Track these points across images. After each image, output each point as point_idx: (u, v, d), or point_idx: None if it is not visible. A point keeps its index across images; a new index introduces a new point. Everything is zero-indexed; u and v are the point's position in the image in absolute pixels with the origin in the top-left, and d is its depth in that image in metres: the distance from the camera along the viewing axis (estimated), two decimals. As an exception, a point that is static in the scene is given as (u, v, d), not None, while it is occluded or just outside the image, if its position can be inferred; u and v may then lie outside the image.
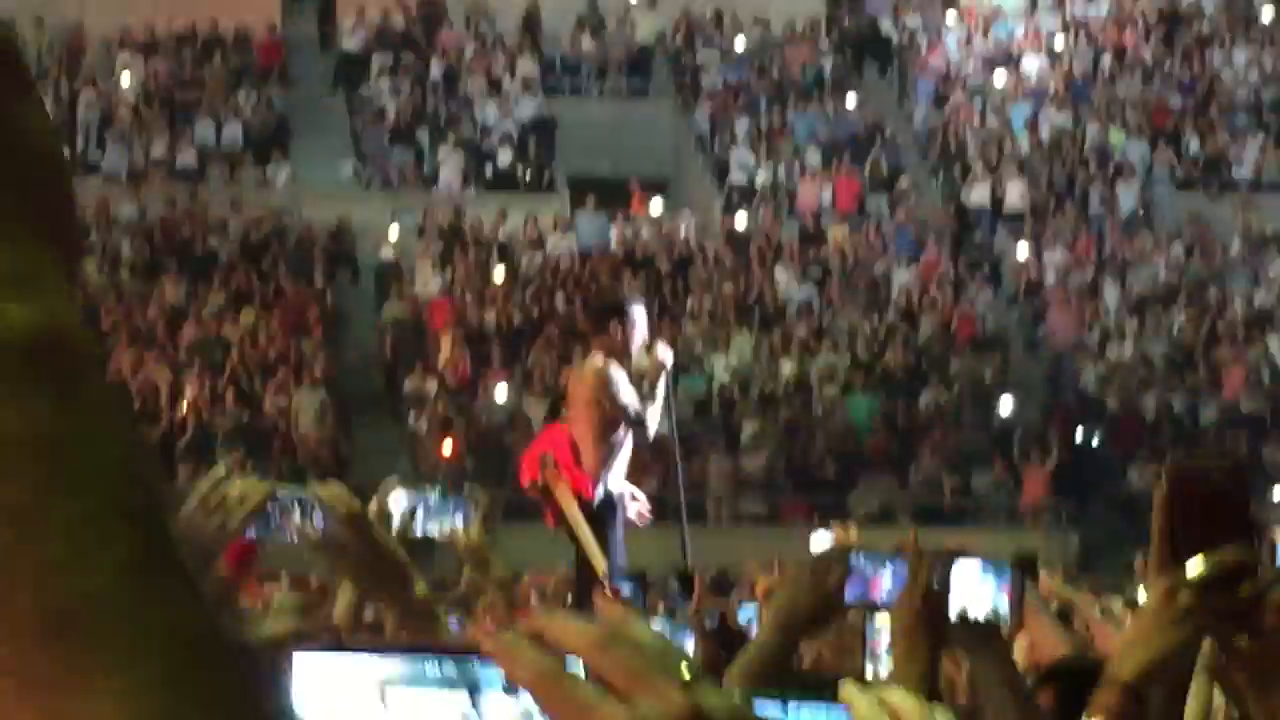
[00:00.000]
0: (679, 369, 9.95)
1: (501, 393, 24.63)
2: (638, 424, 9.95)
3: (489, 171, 30.15)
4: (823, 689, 2.09)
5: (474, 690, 1.34)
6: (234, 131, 29.88)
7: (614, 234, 28.91)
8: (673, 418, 10.24)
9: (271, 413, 24.51)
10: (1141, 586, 7.66)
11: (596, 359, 10.08)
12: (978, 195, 30.45)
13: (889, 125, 31.70)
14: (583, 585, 9.31)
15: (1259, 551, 2.60)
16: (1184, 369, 27.17)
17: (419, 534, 4.49)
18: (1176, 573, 2.58)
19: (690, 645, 4.07)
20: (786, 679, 3.92)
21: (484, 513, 4.69)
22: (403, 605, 3.51)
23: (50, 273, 0.94)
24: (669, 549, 11.51)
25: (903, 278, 28.45)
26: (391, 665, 1.36)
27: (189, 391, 24.24)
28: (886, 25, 33.56)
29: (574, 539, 9.29)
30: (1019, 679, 3.91)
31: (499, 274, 27.46)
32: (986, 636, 3.85)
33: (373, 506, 4.44)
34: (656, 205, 29.84)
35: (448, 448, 23.19)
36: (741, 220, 29.37)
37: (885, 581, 3.84)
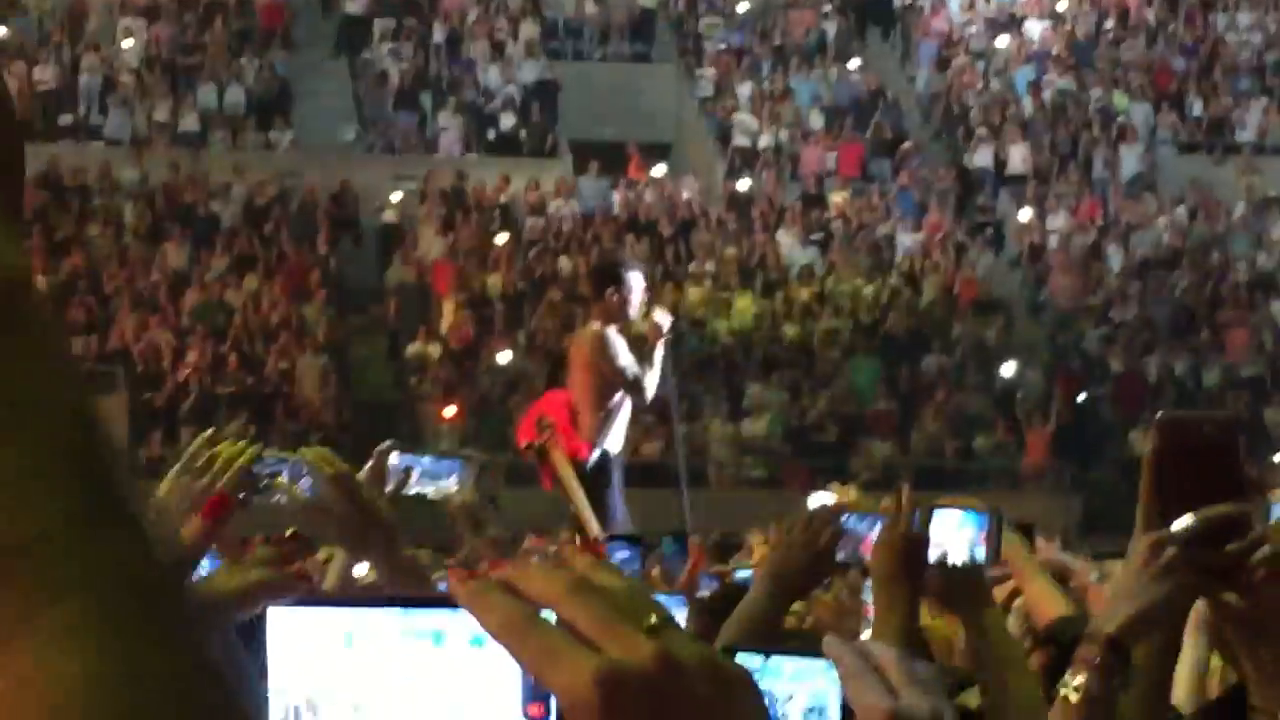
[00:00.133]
0: (681, 332, 9.93)
1: (504, 357, 24.64)
2: (635, 388, 9.97)
3: (491, 135, 30.11)
4: (808, 644, 2.11)
5: (446, 641, 1.36)
6: (236, 96, 29.83)
7: (617, 198, 28.88)
8: (670, 382, 10.23)
9: (274, 377, 24.54)
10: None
11: (594, 324, 10.12)
12: (981, 158, 30.41)
13: (892, 89, 31.64)
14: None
15: (1248, 508, 2.60)
16: (1186, 332, 27.17)
17: (412, 493, 4.51)
18: (1163, 527, 2.58)
19: (685, 611, 4.09)
20: (778, 638, 3.94)
21: (478, 474, 4.70)
22: (390, 565, 3.53)
23: None
24: (670, 513, 11.53)
25: (905, 241, 28.43)
26: (364, 617, 1.38)
27: (191, 356, 24.26)
28: (889, -12, 33.48)
29: (569, 501, 9.31)
30: (1003, 630, 3.94)
31: (501, 238, 27.44)
32: (970, 592, 3.87)
33: (367, 469, 4.46)
34: (659, 169, 29.82)
35: (450, 411, 23.22)
36: (744, 184, 29.34)
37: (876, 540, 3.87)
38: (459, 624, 1.31)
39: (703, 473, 22.69)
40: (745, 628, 3.92)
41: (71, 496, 0.90)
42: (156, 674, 0.88)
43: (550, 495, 10.03)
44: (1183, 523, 2.57)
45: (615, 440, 10.07)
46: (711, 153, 30.76)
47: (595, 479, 9.63)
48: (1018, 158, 30.23)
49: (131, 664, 0.87)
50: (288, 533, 3.26)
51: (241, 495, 3.38)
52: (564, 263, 26.79)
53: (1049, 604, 4.86)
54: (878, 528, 3.87)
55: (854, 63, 31.80)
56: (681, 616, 4.10)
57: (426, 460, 4.58)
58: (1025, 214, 29.40)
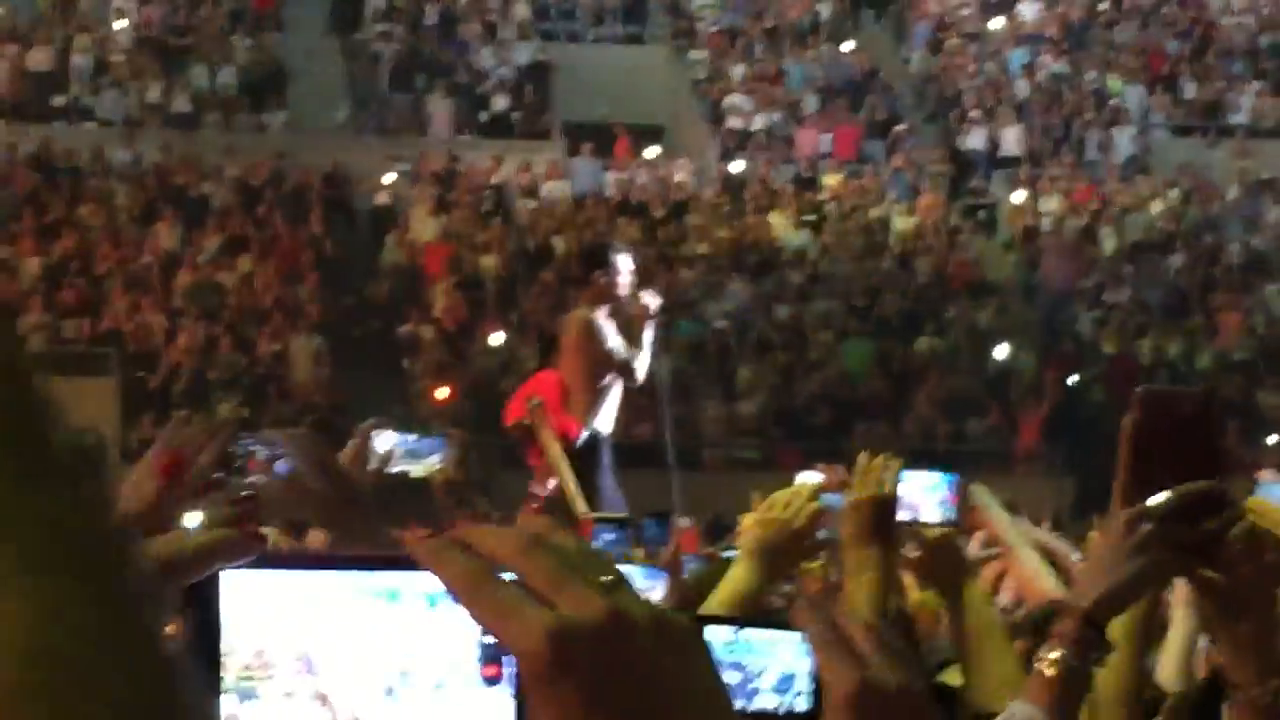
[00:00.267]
0: (674, 314, 9.96)
1: (497, 338, 24.65)
2: (625, 370, 10.03)
3: (484, 117, 30.11)
4: (781, 618, 2.11)
5: (401, 599, 1.36)
6: (229, 77, 29.80)
7: (609, 180, 28.88)
8: (661, 363, 10.27)
9: (267, 358, 24.54)
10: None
11: (583, 307, 10.18)
12: (974, 141, 30.42)
13: (885, 71, 31.64)
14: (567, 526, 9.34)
15: (1226, 484, 2.60)
16: (1180, 315, 27.19)
17: (396, 471, 4.51)
18: (1141, 502, 2.58)
19: (662, 587, 4.09)
20: (761, 615, 3.94)
21: (461, 452, 4.70)
22: (370, 546, 3.53)
23: None
24: (661, 495, 11.54)
25: (899, 224, 28.44)
26: (319, 577, 1.38)
27: (183, 338, 24.25)
28: (883, -30, 33.48)
29: (556, 479, 9.33)
30: (984, 607, 3.94)
31: (494, 220, 27.44)
32: (950, 568, 3.88)
33: (349, 448, 4.46)
34: (652, 151, 29.82)
35: (443, 393, 23.22)
36: (737, 166, 29.34)
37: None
38: (415, 583, 1.31)
39: (695, 455, 22.71)
40: (727, 605, 3.92)
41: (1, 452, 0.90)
42: (80, 618, 0.87)
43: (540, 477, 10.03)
44: (1159, 498, 2.56)
45: (605, 421, 10.12)
46: (704, 134, 30.76)
47: (584, 459, 9.67)
48: (1011, 140, 30.24)
49: (55, 607, 0.87)
50: (243, 493, 3.24)
51: (216, 475, 3.37)
52: (557, 244, 26.79)
53: (1039, 582, 4.86)
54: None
55: (847, 44, 31.81)
56: (661, 591, 4.10)
57: (410, 438, 4.59)
58: (1019, 196, 29.41)
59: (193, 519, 2.80)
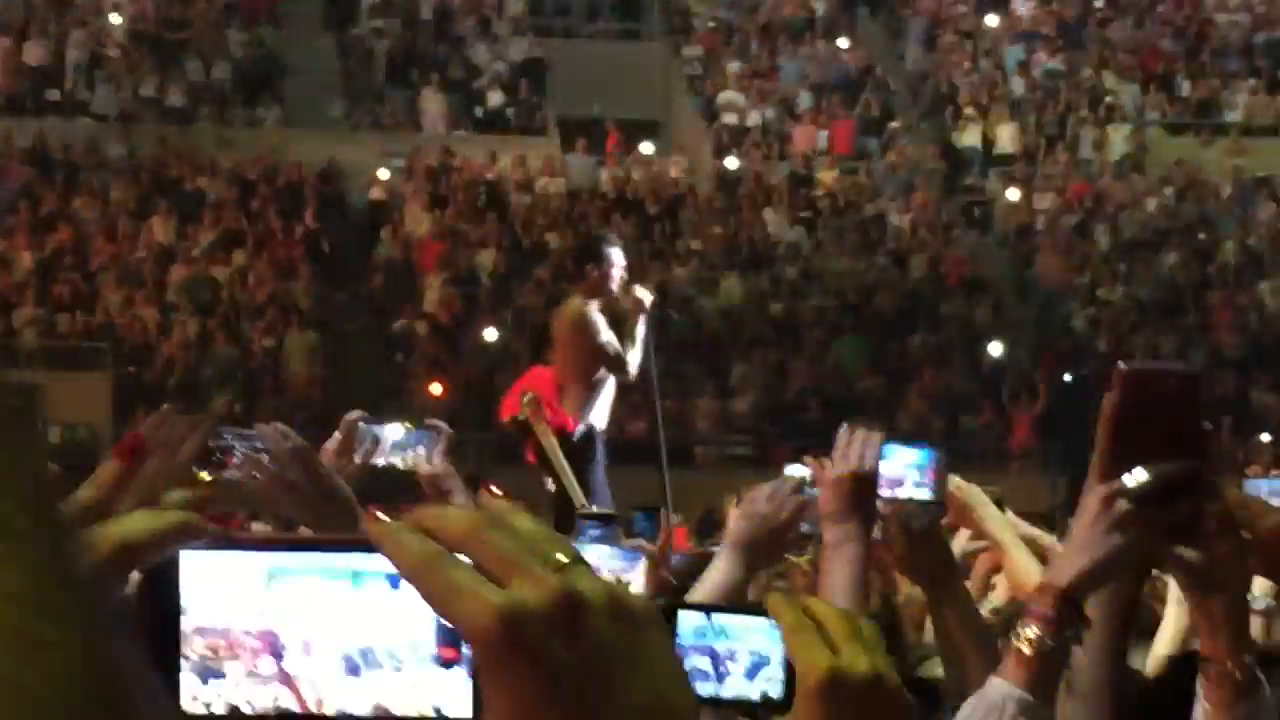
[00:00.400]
0: (666, 314, 9.93)
1: (491, 334, 24.64)
2: (616, 364, 10.00)
3: (479, 112, 30.09)
4: (755, 606, 2.12)
5: (364, 582, 1.37)
6: (224, 71, 29.79)
7: (604, 176, 28.87)
8: (652, 358, 10.25)
9: (261, 353, 24.53)
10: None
11: (576, 300, 10.15)
12: (969, 138, 30.41)
13: (880, 67, 31.63)
14: (561, 523, 9.33)
15: (1204, 464, 2.59)
16: (1174, 312, 27.19)
17: (381, 464, 4.53)
18: (1116, 481, 2.58)
19: (640, 572, 4.09)
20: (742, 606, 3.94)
21: (446, 444, 4.71)
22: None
23: None
24: (653, 491, 11.52)
25: (893, 220, 28.44)
26: (281, 559, 1.38)
27: (177, 332, 24.24)
28: (878, -33, 33.47)
29: (553, 475, 9.32)
30: (966, 601, 3.94)
31: (489, 216, 27.42)
32: (932, 562, 3.88)
33: (334, 440, 4.47)
34: (647, 147, 29.82)
35: (437, 389, 23.21)
36: (732, 162, 29.34)
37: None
38: (377, 564, 1.32)
39: (688, 451, 22.70)
40: (710, 597, 3.93)
41: None
42: (17, 585, 0.87)
43: (536, 474, 10.01)
44: (1135, 475, 2.56)
45: (600, 415, 10.10)
46: (699, 130, 30.75)
47: (580, 454, 9.65)
48: (1006, 137, 30.24)
49: None
50: (204, 475, 3.25)
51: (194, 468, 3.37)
52: (551, 240, 26.78)
53: (1029, 576, 4.86)
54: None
55: (842, 41, 31.79)
56: (638, 575, 4.10)
57: (395, 430, 4.60)
58: (1013, 194, 29.41)
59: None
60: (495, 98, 30.16)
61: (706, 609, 2.11)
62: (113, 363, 23.75)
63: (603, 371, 10.05)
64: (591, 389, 10.06)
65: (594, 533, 5.34)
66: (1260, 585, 4.76)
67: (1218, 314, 26.98)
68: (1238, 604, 2.63)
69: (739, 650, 2.06)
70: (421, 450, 4.63)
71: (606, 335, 9.95)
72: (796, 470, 4.17)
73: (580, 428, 9.92)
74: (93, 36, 29.82)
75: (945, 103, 31.24)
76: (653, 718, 1.17)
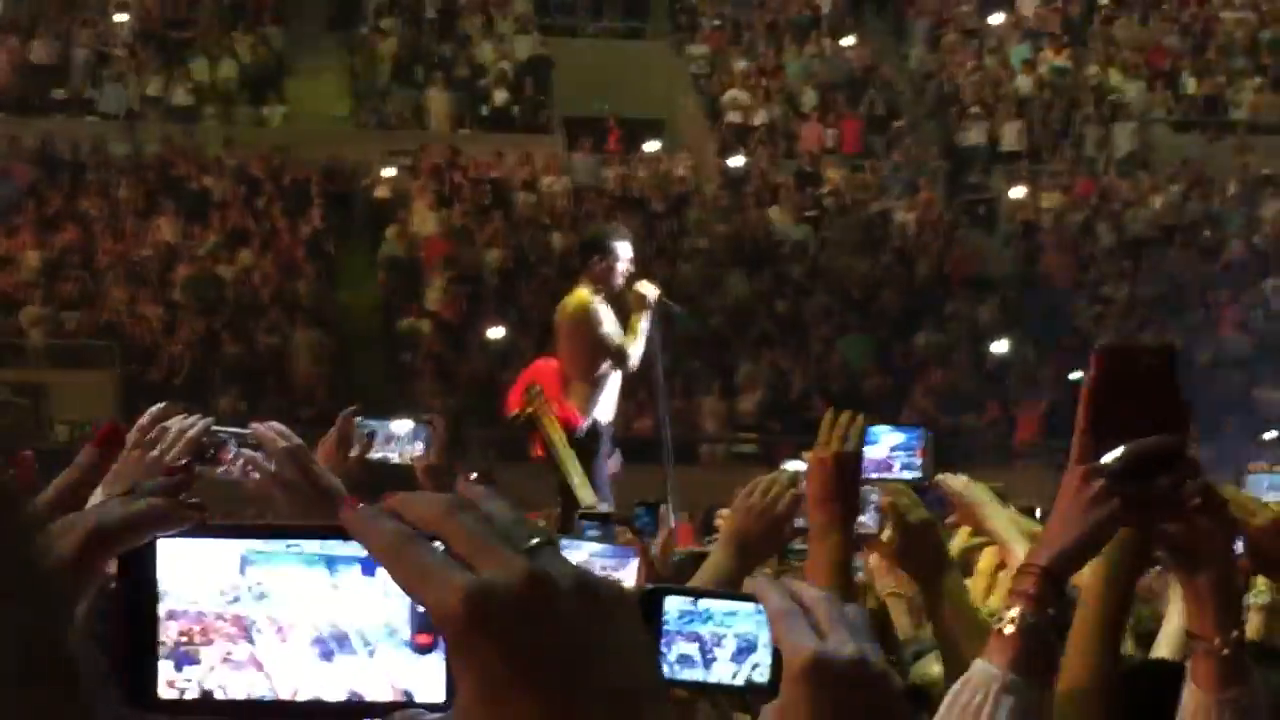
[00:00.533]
0: (671, 313, 9.86)
1: (495, 333, 24.63)
2: (619, 357, 9.96)
3: (484, 111, 30.09)
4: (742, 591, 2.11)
5: (339, 569, 1.37)
6: (229, 70, 29.80)
7: (609, 174, 28.86)
8: (658, 352, 10.21)
9: (266, 352, 24.53)
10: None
11: (580, 292, 10.11)
12: (974, 136, 30.39)
13: (885, 66, 31.61)
14: (567, 517, 9.32)
15: (1182, 438, 2.59)
16: (1179, 310, 27.16)
17: (377, 458, 4.53)
18: (1099, 457, 2.58)
19: (631, 570, 4.09)
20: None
21: (443, 438, 4.72)
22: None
23: None
24: (657, 488, 11.51)
25: (899, 218, 28.42)
26: (256, 546, 1.39)
27: (183, 331, 24.26)
28: (883, -35, 33.46)
29: (559, 469, 9.30)
30: (961, 595, 3.94)
31: (494, 214, 27.42)
32: (927, 555, 3.87)
33: (330, 435, 4.48)
34: (652, 145, 29.81)
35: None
36: (737, 160, 29.32)
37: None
38: (351, 551, 1.32)
39: (693, 449, 22.68)
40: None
41: None
42: None
43: (542, 471, 9.99)
44: (1115, 453, 2.56)
45: (605, 410, 10.06)
46: (704, 128, 30.74)
47: (586, 448, 9.63)
48: (1011, 135, 30.21)
49: None
50: (180, 462, 3.25)
51: (185, 462, 3.37)
52: (556, 239, 26.78)
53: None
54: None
55: (848, 40, 31.77)
56: (630, 571, 4.11)
57: (390, 425, 4.60)
58: (1018, 192, 29.39)
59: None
60: (500, 96, 30.15)
61: (693, 593, 2.11)
62: (118, 361, 23.76)
63: (606, 366, 10.00)
64: (595, 385, 10.03)
65: (593, 532, 5.34)
66: (1261, 580, 4.76)
67: (1223, 312, 26.96)
68: (1224, 580, 2.63)
69: (725, 635, 2.06)
70: (418, 444, 4.63)
71: (608, 327, 9.91)
72: (793, 465, 4.17)
73: (585, 423, 9.89)
74: (99, 36, 29.83)
75: (950, 101, 31.22)
76: (621, 699, 1.17)
